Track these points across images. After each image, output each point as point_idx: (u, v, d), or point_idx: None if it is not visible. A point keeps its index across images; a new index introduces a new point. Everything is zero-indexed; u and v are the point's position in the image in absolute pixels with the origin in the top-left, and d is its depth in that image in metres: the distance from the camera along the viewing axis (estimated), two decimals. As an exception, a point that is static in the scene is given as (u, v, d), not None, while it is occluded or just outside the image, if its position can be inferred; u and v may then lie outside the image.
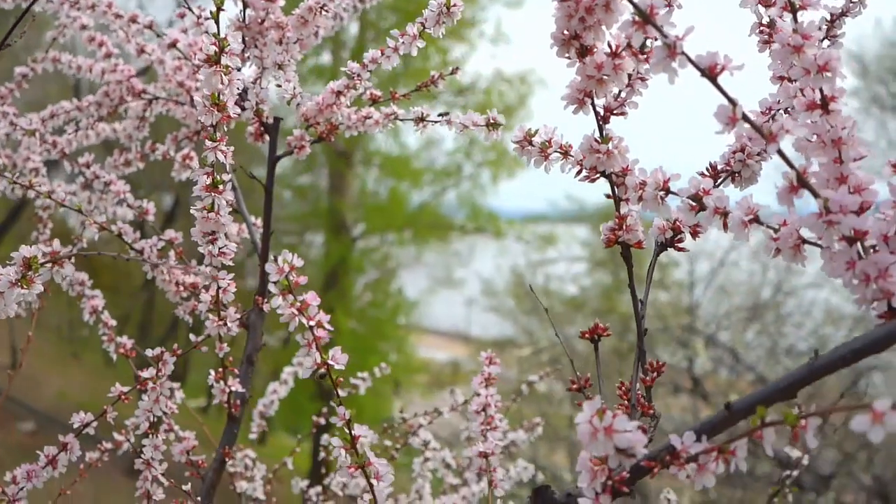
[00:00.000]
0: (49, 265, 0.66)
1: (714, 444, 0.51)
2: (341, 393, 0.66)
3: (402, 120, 0.98)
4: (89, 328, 1.19)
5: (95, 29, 1.27)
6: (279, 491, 1.47)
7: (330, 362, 0.63)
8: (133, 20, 1.11)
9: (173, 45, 1.06)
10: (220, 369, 0.97)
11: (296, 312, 0.62)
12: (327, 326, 0.63)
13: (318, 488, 1.40)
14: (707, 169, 0.70)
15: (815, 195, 0.52)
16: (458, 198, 11.83)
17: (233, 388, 0.98)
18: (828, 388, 6.60)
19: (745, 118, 0.51)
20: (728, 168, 0.69)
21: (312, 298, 0.63)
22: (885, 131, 8.96)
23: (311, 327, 0.63)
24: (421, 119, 0.96)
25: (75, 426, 0.92)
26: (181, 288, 1.03)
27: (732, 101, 0.51)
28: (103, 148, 1.40)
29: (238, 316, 0.91)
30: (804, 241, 0.55)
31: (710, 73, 0.51)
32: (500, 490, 1.32)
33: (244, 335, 1.07)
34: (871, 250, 0.52)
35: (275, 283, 0.62)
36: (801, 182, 0.52)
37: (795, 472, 1.15)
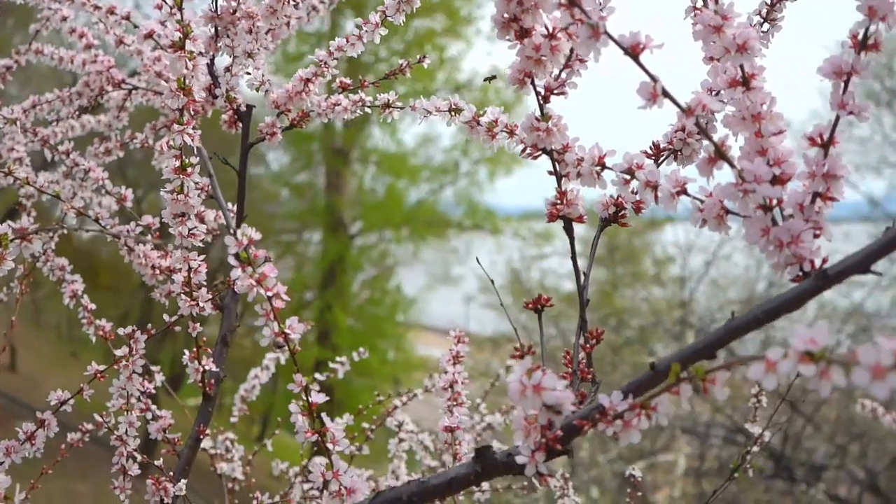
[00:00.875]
0: (18, 241, 0.69)
1: (637, 402, 0.54)
2: (319, 377, 0.69)
3: (369, 107, 1.01)
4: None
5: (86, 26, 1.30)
6: (279, 489, 1.49)
7: (287, 331, 0.67)
8: (111, 11, 1.14)
9: (149, 35, 1.09)
10: (195, 349, 1.00)
11: (254, 283, 0.65)
12: (284, 297, 0.66)
13: (296, 468, 1.43)
14: (650, 147, 0.73)
15: (732, 165, 0.55)
16: (455, 195, 11.86)
17: (207, 368, 1.01)
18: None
19: (665, 94, 0.54)
20: (670, 146, 0.72)
21: (270, 270, 0.66)
22: (881, 126, 8.98)
23: (269, 298, 0.66)
24: (387, 105, 0.99)
25: (52, 404, 0.95)
26: (157, 271, 1.06)
27: (653, 78, 0.54)
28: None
29: (210, 296, 0.94)
30: (727, 212, 0.58)
31: (633, 52, 0.54)
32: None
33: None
34: (789, 219, 0.55)
35: (234, 255, 0.65)
36: (719, 154, 0.55)
37: (756, 448, 1.18)
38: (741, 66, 0.57)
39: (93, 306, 1.15)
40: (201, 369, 1.00)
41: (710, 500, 1.15)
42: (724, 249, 7.19)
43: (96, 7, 1.15)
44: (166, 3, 1.02)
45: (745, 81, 0.57)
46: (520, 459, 0.58)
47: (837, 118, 0.56)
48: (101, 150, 1.24)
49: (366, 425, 1.36)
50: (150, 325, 0.98)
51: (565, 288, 10.15)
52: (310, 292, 11.17)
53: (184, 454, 1.02)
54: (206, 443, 1.33)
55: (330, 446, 0.68)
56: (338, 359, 1.38)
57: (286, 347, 0.68)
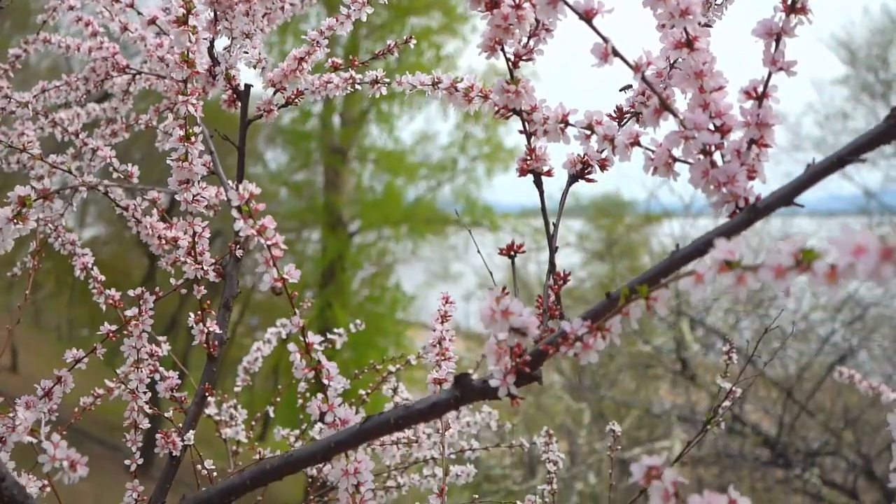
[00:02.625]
0: (40, 201, 0.77)
1: (594, 325, 0.61)
2: (317, 343, 0.76)
3: (359, 84, 1.08)
4: (88, 328, 1.28)
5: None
6: (281, 489, 1.54)
7: (285, 276, 0.74)
8: (116, 0, 1.21)
9: (153, 21, 1.16)
10: (199, 312, 1.08)
11: (255, 233, 0.73)
12: (282, 246, 0.73)
13: (297, 432, 1.51)
14: (614, 110, 0.80)
15: (675, 115, 0.62)
16: (453, 192, 11.93)
17: (211, 330, 1.08)
18: (814, 370, 6.71)
19: (616, 53, 0.61)
20: (632, 109, 0.79)
21: (269, 222, 0.73)
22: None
23: (268, 247, 0.73)
24: (375, 81, 1.06)
25: (68, 361, 1.02)
26: (163, 241, 1.13)
27: (605, 39, 0.61)
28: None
29: (213, 260, 1.02)
30: (674, 159, 0.65)
31: (587, 16, 0.61)
32: (464, 433, 1.42)
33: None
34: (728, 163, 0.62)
35: (237, 208, 0.72)
36: (664, 106, 0.63)
37: (728, 403, 1.25)
38: (685, 30, 0.64)
39: (102, 277, 1.23)
40: (206, 331, 1.08)
41: (692, 444, 1.22)
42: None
43: (102, -5, 1.22)
44: (169, -11, 1.09)
45: (689, 43, 0.64)
46: (493, 383, 0.65)
47: (770, 74, 0.63)
48: (108, 132, 1.31)
49: (362, 391, 1.43)
50: (157, 289, 1.05)
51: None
52: (309, 291, 11.23)
53: (191, 410, 1.09)
54: (211, 410, 1.39)
55: (326, 382, 0.75)
56: (335, 330, 1.45)
57: (284, 292, 0.75)
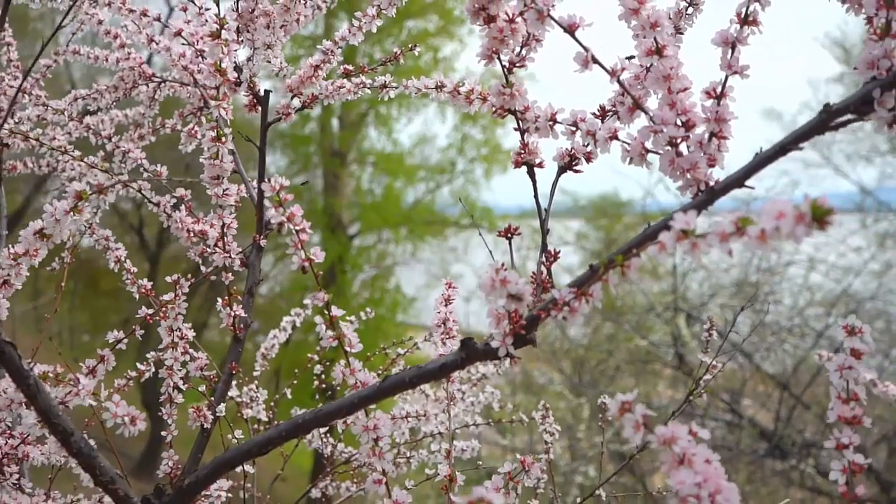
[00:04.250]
0: (95, 194, 0.87)
1: (579, 291, 0.72)
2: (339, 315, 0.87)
3: (369, 88, 1.19)
4: (90, 334, 1.38)
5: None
6: (284, 491, 1.65)
7: (311, 257, 0.85)
8: (144, 14, 1.32)
9: (178, 33, 1.27)
10: (227, 297, 1.18)
11: (285, 220, 0.84)
12: (308, 230, 0.84)
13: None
14: (598, 109, 0.91)
15: (646, 113, 0.73)
16: (452, 194, 12.03)
17: (237, 314, 1.19)
18: (809, 363, 6.82)
19: (595, 60, 0.72)
20: (614, 108, 0.90)
21: (297, 210, 0.84)
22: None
23: (297, 231, 0.84)
24: (384, 86, 1.17)
25: (110, 341, 1.13)
26: (191, 234, 1.24)
27: (586, 49, 0.72)
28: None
29: (240, 249, 1.12)
30: (647, 150, 0.76)
31: (570, 29, 0.72)
32: (468, 412, 1.53)
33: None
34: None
35: (268, 198, 0.83)
36: (636, 105, 0.74)
37: (708, 377, 1.36)
38: (655, 39, 0.75)
39: (135, 269, 1.33)
40: (233, 315, 1.19)
41: (680, 408, 1.32)
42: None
43: (131, 10, 1.33)
44: (194, 3, 1.21)
45: (659, 51, 0.75)
46: (494, 344, 0.76)
47: (727, 77, 0.74)
48: (136, 135, 1.42)
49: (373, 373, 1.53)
50: (189, 275, 1.16)
51: (562, 281, 10.27)
52: (310, 293, 11.31)
53: (219, 388, 1.20)
54: (232, 391, 1.50)
55: (347, 349, 0.86)
56: (347, 318, 1.55)
57: (311, 270, 0.86)
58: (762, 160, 0.68)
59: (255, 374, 1.61)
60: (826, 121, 0.66)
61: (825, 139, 9.30)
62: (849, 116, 0.66)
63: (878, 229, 8.46)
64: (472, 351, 0.78)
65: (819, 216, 0.49)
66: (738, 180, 0.69)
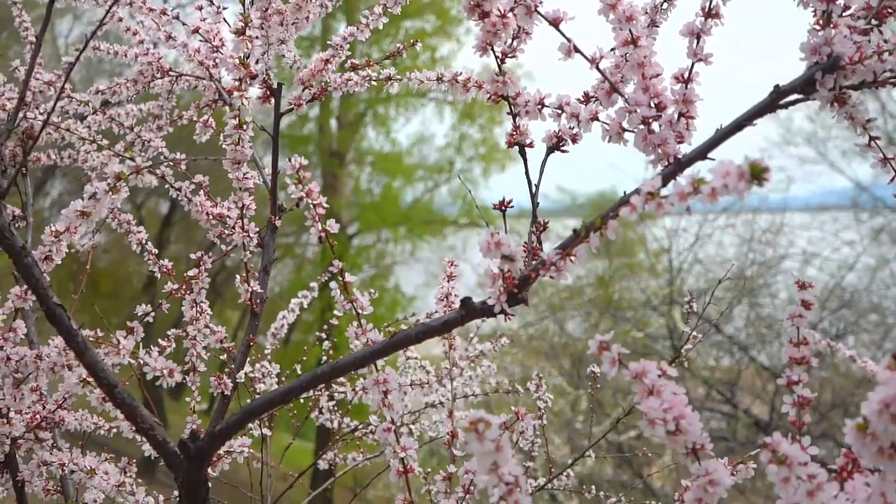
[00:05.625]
0: (134, 175, 0.97)
1: (563, 252, 0.82)
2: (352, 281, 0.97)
3: (374, 81, 1.29)
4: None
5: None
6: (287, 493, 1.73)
7: (327, 228, 0.95)
8: (163, 13, 1.42)
9: (196, 31, 1.37)
10: (245, 274, 1.28)
11: (304, 196, 0.94)
12: (325, 205, 0.94)
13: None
14: (583, 95, 1.01)
15: (622, 95, 0.83)
16: (450, 193, 12.13)
17: (254, 289, 1.29)
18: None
19: (576, 49, 0.82)
20: (595, 94, 1.00)
21: (315, 187, 0.94)
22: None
23: (314, 206, 0.94)
24: (389, 78, 1.27)
25: (139, 314, 1.23)
26: (210, 217, 1.34)
27: (569, 40, 0.82)
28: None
29: (257, 229, 1.22)
30: (623, 129, 0.86)
31: (555, 22, 0.82)
32: (467, 385, 1.62)
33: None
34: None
35: (289, 176, 0.93)
36: (613, 89, 0.84)
37: (690, 346, 1.46)
38: (630, 31, 0.85)
39: (156, 251, 1.43)
40: (250, 290, 1.29)
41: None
42: (706, 229, 7.52)
43: (151, 10, 1.43)
44: (212, 3, 1.31)
45: (634, 41, 0.85)
46: (490, 301, 0.86)
47: (692, 64, 0.84)
48: (155, 126, 1.52)
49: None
50: (210, 254, 1.26)
51: (562, 281, 10.38)
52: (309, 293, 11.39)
53: (238, 358, 1.30)
54: (245, 369, 1.60)
55: (360, 311, 0.96)
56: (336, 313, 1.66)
57: (327, 241, 0.96)
58: (721, 136, 0.78)
59: (266, 352, 1.71)
60: (776, 100, 0.77)
61: (821, 136, 9.41)
62: (796, 96, 0.76)
63: (873, 224, 8.58)
64: (471, 308, 0.88)
65: (756, 174, 0.59)
66: (702, 153, 0.79)
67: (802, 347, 0.82)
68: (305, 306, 1.82)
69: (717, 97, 0.99)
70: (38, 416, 1.18)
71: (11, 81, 1.66)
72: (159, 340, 1.45)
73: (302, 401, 1.77)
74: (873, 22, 0.79)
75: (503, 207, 0.97)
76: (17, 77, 1.70)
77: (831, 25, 0.75)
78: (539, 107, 0.92)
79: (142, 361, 0.93)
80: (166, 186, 1.37)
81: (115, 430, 1.31)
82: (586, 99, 0.99)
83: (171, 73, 1.53)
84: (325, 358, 1.78)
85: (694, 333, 1.49)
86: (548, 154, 0.99)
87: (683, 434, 0.69)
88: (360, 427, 1.60)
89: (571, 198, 10.85)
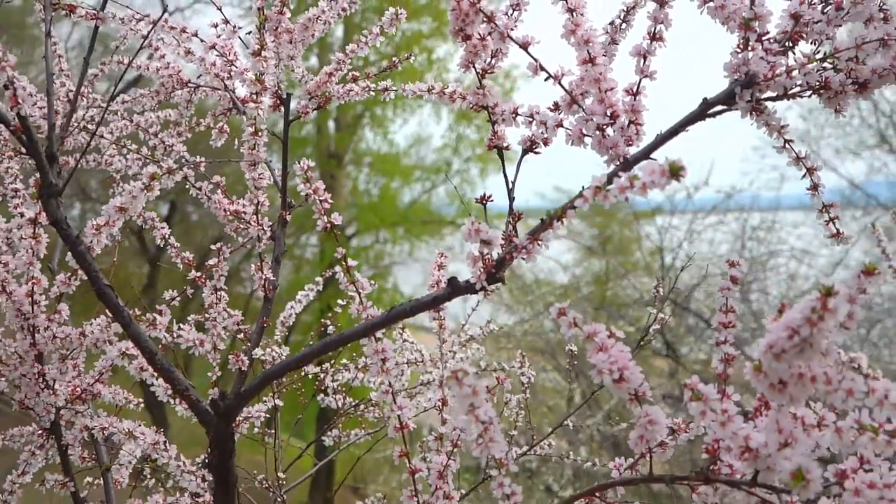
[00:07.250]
0: (166, 175, 1.13)
1: (533, 238, 0.98)
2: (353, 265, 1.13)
3: (374, 91, 1.45)
4: None
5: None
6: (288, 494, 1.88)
7: (332, 220, 1.11)
8: (183, 30, 1.58)
9: (213, 46, 1.53)
10: (259, 263, 1.45)
11: (311, 192, 1.10)
12: (329, 200, 1.11)
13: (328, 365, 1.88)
14: (553, 104, 1.17)
15: (580, 106, 1.00)
16: (447, 193, 12.29)
17: (267, 277, 1.45)
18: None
19: (542, 68, 0.98)
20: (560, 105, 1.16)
21: (321, 185, 1.11)
22: (858, 110, 9.43)
23: (320, 201, 1.10)
24: (386, 89, 1.43)
25: (167, 298, 1.39)
26: (227, 213, 1.50)
27: (535, 59, 0.99)
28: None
29: (271, 222, 1.39)
30: (583, 134, 1.02)
31: (524, 45, 0.99)
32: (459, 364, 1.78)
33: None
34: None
35: (298, 175, 1.09)
36: (573, 100, 1.00)
37: (656, 325, 1.62)
38: (588, 52, 1.01)
39: (178, 244, 1.59)
40: (263, 278, 1.45)
41: (640, 344, 1.59)
42: (695, 226, 7.70)
43: (172, 28, 1.59)
44: (228, 23, 1.47)
45: (591, 60, 1.01)
46: (472, 279, 1.02)
47: (640, 80, 1.00)
48: (175, 132, 1.68)
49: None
50: (229, 244, 1.42)
51: (559, 279, 10.57)
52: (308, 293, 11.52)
53: (253, 337, 1.46)
54: (256, 351, 1.76)
55: (361, 290, 1.12)
56: (340, 302, 1.83)
57: (332, 232, 1.12)
58: (660, 140, 0.95)
59: (275, 337, 1.87)
60: (704, 109, 0.93)
61: (814, 134, 9.58)
62: (721, 107, 0.93)
63: (866, 222, 8.75)
64: (456, 286, 1.05)
65: (675, 171, 0.76)
66: (644, 154, 0.95)
67: (730, 314, 0.98)
68: (311, 298, 1.97)
69: (664, 106, 1.16)
70: (78, 389, 1.34)
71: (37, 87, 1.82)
72: (179, 325, 1.61)
73: (310, 376, 1.93)
74: (788, 44, 0.95)
75: (484, 202, 1.14)
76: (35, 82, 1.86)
77: (749, 48, 0.92)
78: (513, 115, 1.08)
79: (176, 335, 1.10)
80: (186, 187, 1.53)
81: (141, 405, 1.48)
82: (555, 108, 1.15)
83: (189, 84, 1.69)
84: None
85: (661, 315, 1.65)
86: (522, 155, 1.16)
87: (627, 382, 0.85)
88: (362, 403, 1.77)
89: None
